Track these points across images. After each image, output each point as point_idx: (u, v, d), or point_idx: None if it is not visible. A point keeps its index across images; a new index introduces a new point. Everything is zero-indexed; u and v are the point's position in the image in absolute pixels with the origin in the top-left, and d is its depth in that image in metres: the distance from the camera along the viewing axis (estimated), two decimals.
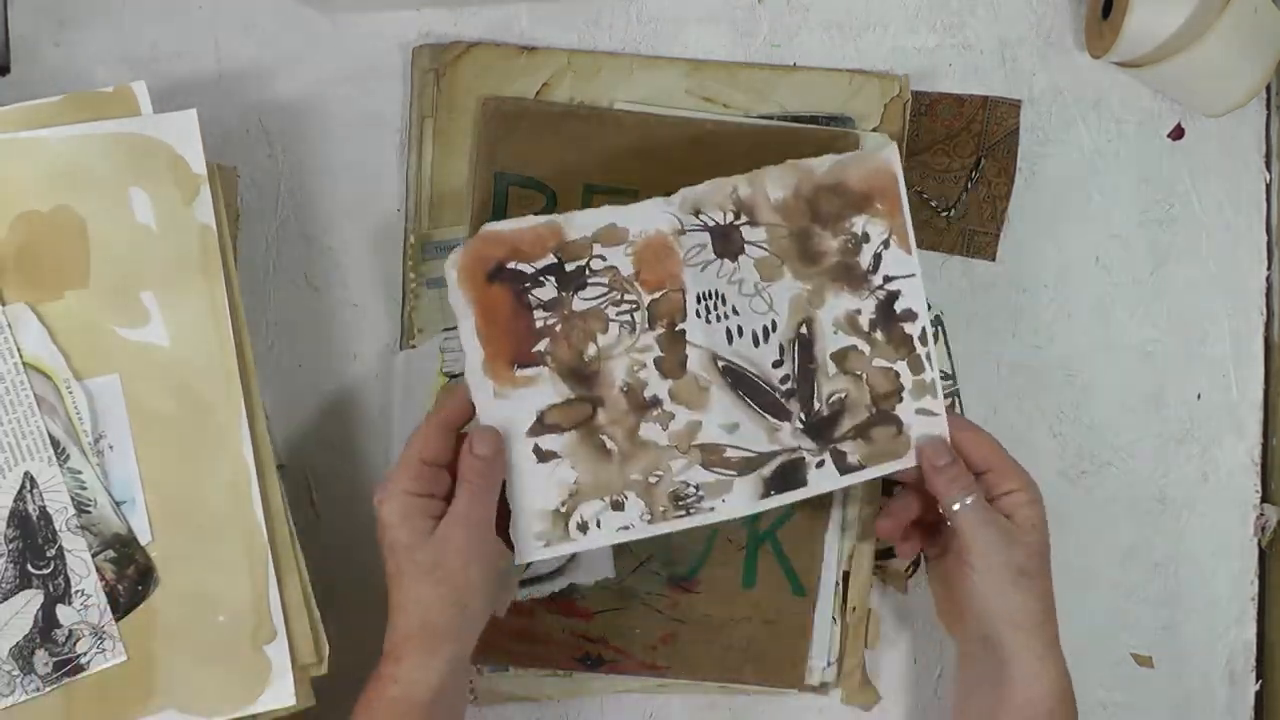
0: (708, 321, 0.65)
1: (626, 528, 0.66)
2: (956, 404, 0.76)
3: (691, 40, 0.76)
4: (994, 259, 0.77)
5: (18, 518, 0.64)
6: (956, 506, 0.64)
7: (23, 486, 0.64)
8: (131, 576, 0.65)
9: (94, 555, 0.64)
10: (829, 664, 0.75)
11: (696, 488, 0.66)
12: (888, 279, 0.67)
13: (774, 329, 0.66)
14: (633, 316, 0.65)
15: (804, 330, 0.66)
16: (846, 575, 0.74)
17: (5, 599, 0.64)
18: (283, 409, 0.74)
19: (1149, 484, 0.77)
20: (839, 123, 0.74)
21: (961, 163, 0.77)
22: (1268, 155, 0.78)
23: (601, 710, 0.75)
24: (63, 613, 0.64)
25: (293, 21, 0.75)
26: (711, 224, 0.65)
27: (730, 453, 0.66)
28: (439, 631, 0.62)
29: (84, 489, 0.65)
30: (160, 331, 0.65)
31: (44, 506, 0.64)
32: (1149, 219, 0.78)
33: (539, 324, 0.65)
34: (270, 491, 0.66)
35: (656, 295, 0.65)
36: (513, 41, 0.75)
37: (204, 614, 0.65)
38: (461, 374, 0.65)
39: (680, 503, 0.66)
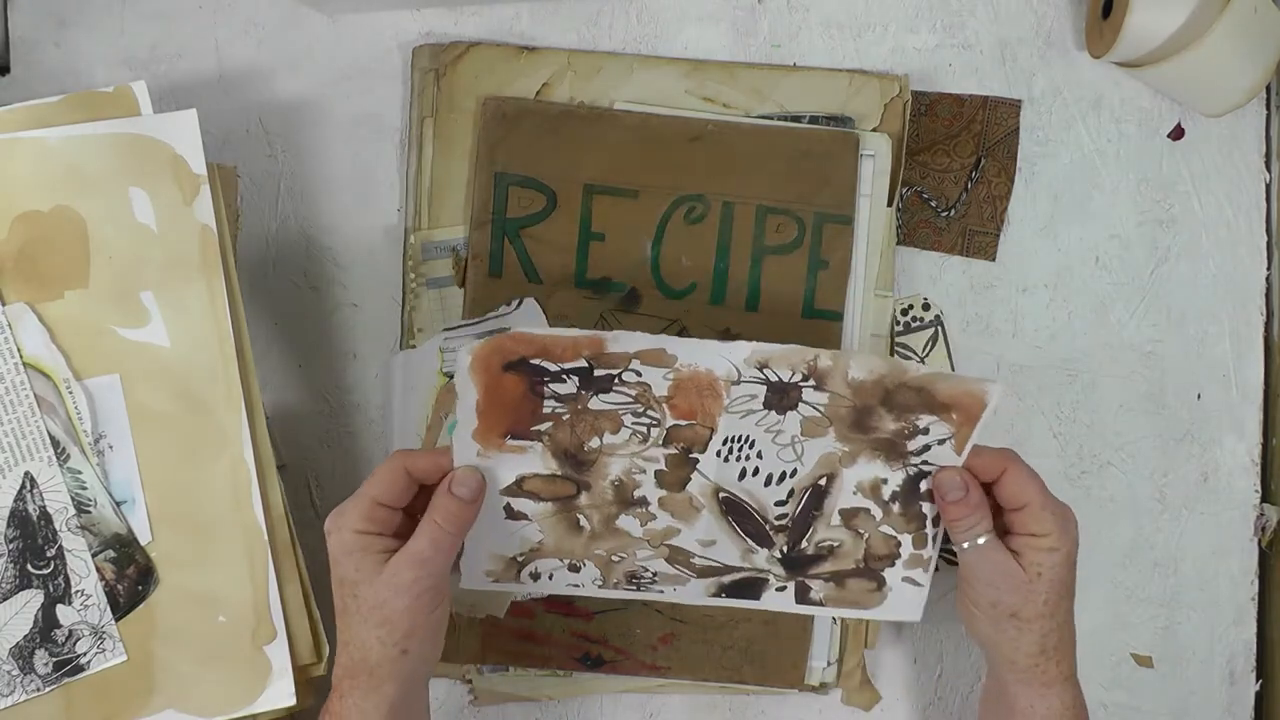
0: (725, 460, 0.63)
1: (577, 585, 0.67)
2: None
3: (691, 40, 0.76)
4: (994, 259, 0.77)
5: (18, 518, 0.64)
6: (965, 545, 0.63)
7: (23, 486, 0.64)
8: (131, 576, 0.65)
9: (94, 555, 0.64)
10: (829, 664, 0.75)
11: (654, 575, 0.67)
12: (926, 463, 0.63)
13: (792, 475, 0.64)
14: (649, 430, 0.62)
15: (822, 483, 0.64)
16: None
17: (5, 599, 0.64)
18: (283, 409, 0.74)
19: (1149, 484, 0.77)
20: (839, 123, 0.74)
21: (961, 163, 0.77)
22: (1268, 155, 0.78)
23: (601, 710, 0.75)
24: (63, 613, 0.64)
25: (293, 21, 0.75)
26: (774, 379, 0.61)
27: (697, 560, 0.66)
28: (377, 672, 0.60)
29: (84, 489, 0.65)
30: (160, 331, 0.65)
31: (44, 506, 0.64)
32: (1149, 219, 0.78)
33: (547, 410, 0.61)
34: (270, 491, 0.66)
35: (682, 423, 0.62)
36: (513, 41, 0.75)
37: (204, 614, 0.65)
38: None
39: (634, 580, 0.67)
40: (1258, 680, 0.78)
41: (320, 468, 0.74)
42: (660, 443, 0.62)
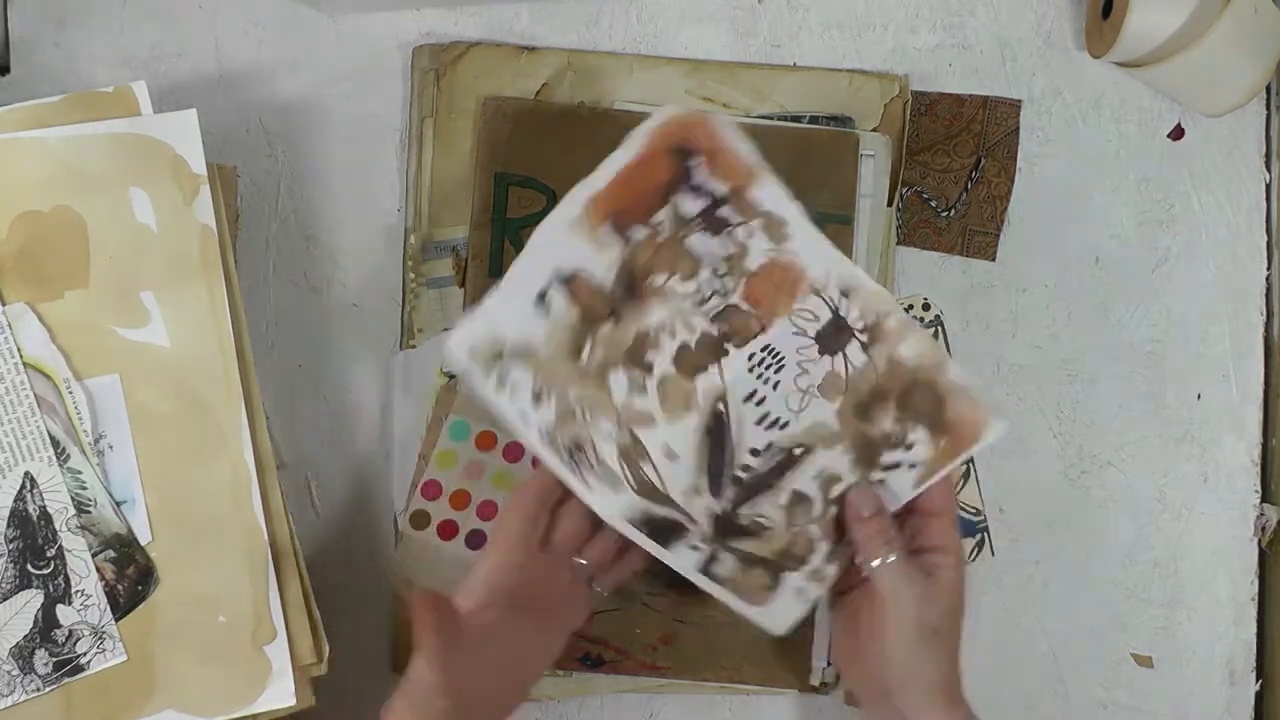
0: (749, 370, 0.64)
1: (524, 416, 0.63)
2: None
3: (691, 40, 0.76)
4: (994, 259, 0.77)
5: (18, 518, 0.64)
6: (876, 563, 0.63)
7: (23, 486, 0.64)
8: (131, 576, 0.65)
9: (94, 555, 0.64)
10: (829, 664, 0.75)
11: (594, 463, 0.64)
12: (883, 482, 0.65)
13: (781, 427, 0.64)
14: (711, 296, 0.63)
15: (797, 452, 0.65)
16: None
17: (5, 599, 0.64)
18: (283, 409, 0.74)
19: (1149, 484, 0.77)
20: (839, 123, 0.74)
21: (961, 163, 0.77)
22: (1268, 155, 0.78)
23: (601, 710, 0.75)
24: (63, 613, 0.64)
25: (293, 21, 0.75)
26: (840, 314, 0.63)
27: (647, 469, 0.64)
28: None
29: (84, 489, 0.64)
30: (160, 331, 0.65)
31: (44, 506, 0.64)
32: (1149, 219, 0.78)
33: (655, 219, 0.63)
34: (270, 491, 0.66)
35: (743, 305, 0.63)
36: (513, 41, 0.75)
37: (204, 614, 0.65)
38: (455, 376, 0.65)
39: (570, 455, 0.64)
40: (1258, 680, 0.78)
41: (320, 468, 0.74)
42: (711, 318, 0.63)
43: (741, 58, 0.76)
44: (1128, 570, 0.77)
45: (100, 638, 0.64)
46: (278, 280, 0.74)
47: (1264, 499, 0.78)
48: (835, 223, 0.73)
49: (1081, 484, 0.77)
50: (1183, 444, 0.78)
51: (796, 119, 0.75)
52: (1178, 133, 0.78)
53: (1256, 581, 0.78)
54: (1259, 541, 0.78)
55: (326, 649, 0.67)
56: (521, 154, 0.73)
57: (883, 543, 0.63)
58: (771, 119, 0.74)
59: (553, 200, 0.73)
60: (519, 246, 0.73)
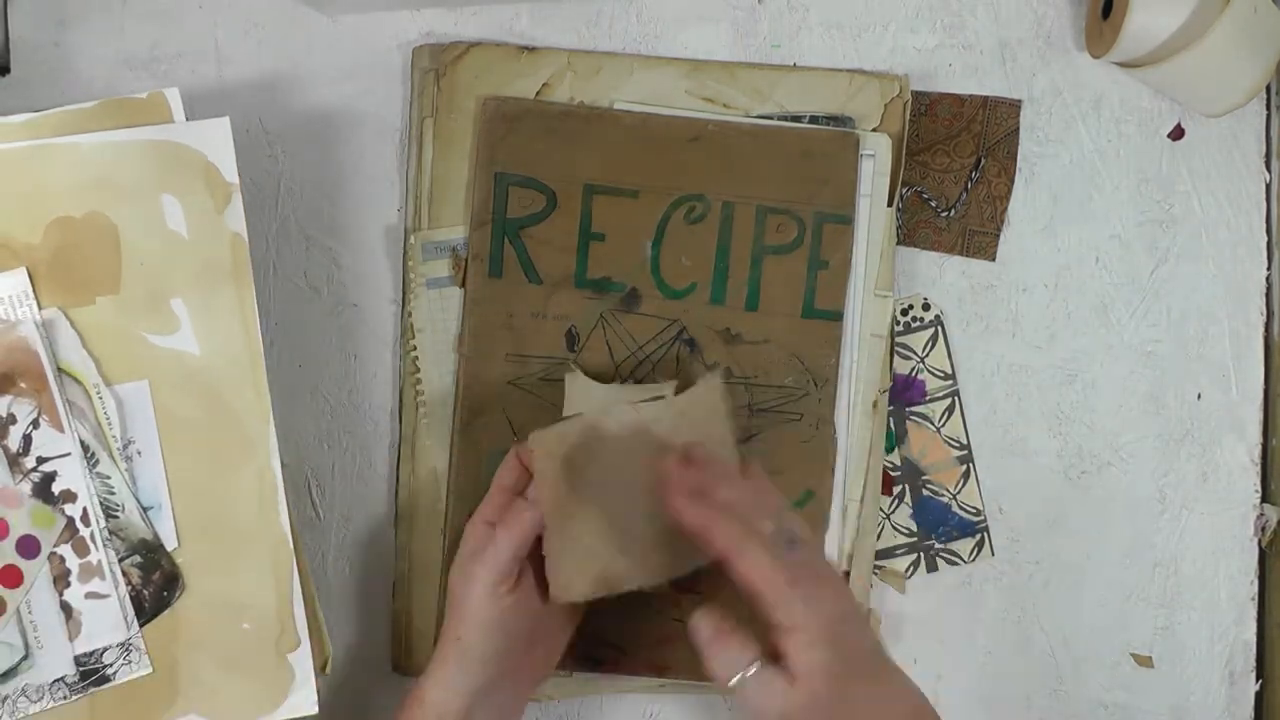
0: None
1: None
2: (956, 405, 0.76)
3: (691, 40, 0.76)
4: (994, 259, 0.77)
5: None
6: (733, 682, 0.55)
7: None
8: (157, 582, 0.65)
9: (120, 560, 0.64)
10: None
11: None
12: (41, 460, 0.63)
13: None
14: None
15: None
16: (846, 575, 0.75)
17: None
18: (283, 409, 0.73)
19: (1149, 484, 0.77)
20: (839, 123, 0.74)
21: (961, 163, 0.77)
22: (1268, 155, 0.78)
23: (601, 710, 0.75)
24: None
25: (293, 21, 0.75)
26: None
27: None
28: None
29: (112, 494, 0.64)
30: (190, 339, 0.65)
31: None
32: (1149, 219, 0.78)
33: None
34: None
35: None
36: (513, 41, 0.75)
37: (229, 621, 0.65)
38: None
39: None
40: (1258, 680, 0.78)
41: (320, 468, 0.74)
42: None
43: (741, 58, 0.76)
44: (1128, 570, 0.77)
45: (126, 650, 0.65)
46: (278, 280, 0.74)
47: (1264, 499, 0.78)
48: (835, 223, 0.73)
49: (1081, 484, 0.77)
50: (1183, 444, 0.78)
51: (796, 119, 0.75)
52: (1178, 133, 0.78)
53: (1256, 581, 0.78)
54: (1259, 541, 0.78)
55: (330, 652, 0.67)
56: (521, 154, 0.73)
57: (733, 659, 0.55)
58: (771, 119, 0.74)
59: (553, 200, 0.73)
60: (519, 246, 0.73)
